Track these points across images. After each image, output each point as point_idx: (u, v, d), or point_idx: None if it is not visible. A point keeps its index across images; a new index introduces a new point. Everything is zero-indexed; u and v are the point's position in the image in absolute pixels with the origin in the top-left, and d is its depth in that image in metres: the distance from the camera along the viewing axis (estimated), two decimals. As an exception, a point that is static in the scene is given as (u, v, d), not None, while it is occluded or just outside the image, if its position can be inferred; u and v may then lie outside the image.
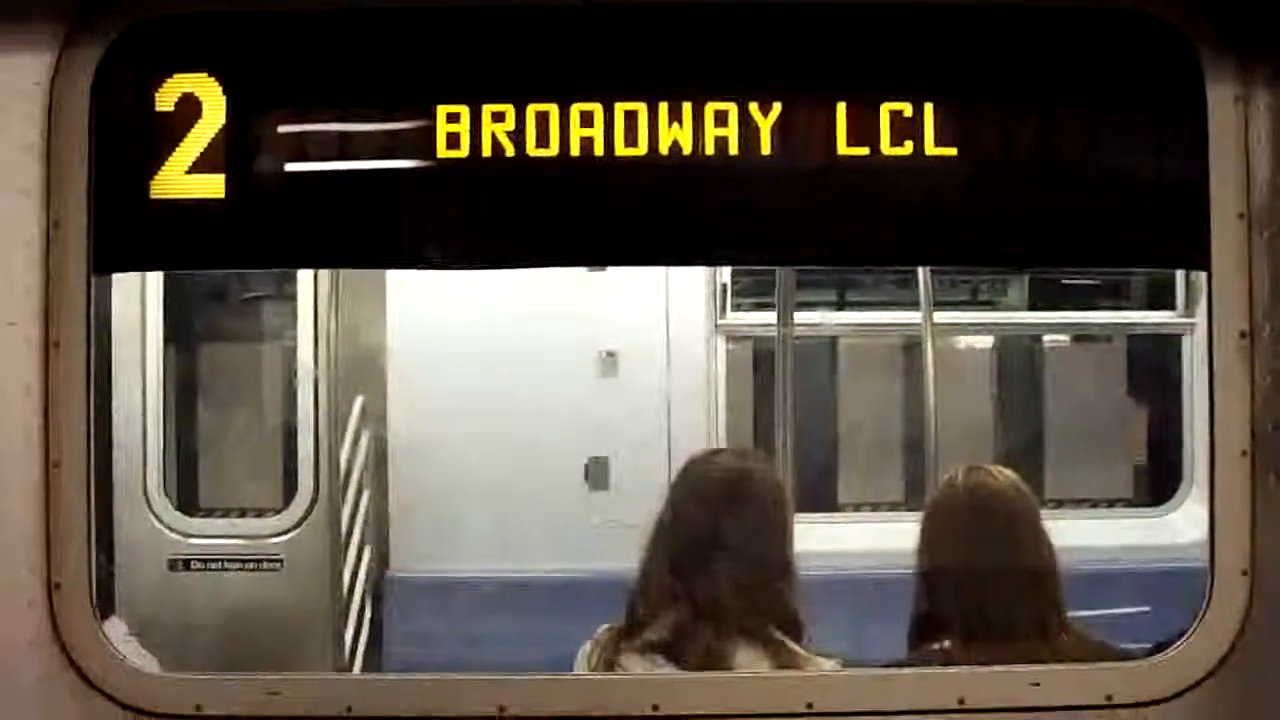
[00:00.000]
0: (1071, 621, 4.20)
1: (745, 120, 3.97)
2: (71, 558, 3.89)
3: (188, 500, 8.88)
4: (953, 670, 4.10)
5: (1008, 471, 4.38)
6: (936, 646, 4.14)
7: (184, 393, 9.09)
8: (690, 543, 4.13)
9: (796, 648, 4.06)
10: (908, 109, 3.99)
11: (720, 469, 4.29)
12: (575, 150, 3.96)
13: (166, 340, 8.66)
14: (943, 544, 4.24)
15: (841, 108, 3.97)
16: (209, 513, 8.91)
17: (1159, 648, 4.06)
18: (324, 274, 8.39)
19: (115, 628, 4.06)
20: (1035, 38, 4.03)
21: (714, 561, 4.09)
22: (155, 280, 8.38)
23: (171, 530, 8.62)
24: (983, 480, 4.31)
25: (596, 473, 8.68)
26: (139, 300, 8.37)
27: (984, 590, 4.11)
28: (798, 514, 6.71)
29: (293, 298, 8.72)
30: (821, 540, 7.91)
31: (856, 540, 8.71)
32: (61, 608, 3.87)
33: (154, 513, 8.58)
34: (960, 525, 4.26)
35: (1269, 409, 3.90)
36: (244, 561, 8.59)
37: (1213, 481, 3.94)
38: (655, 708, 3.80)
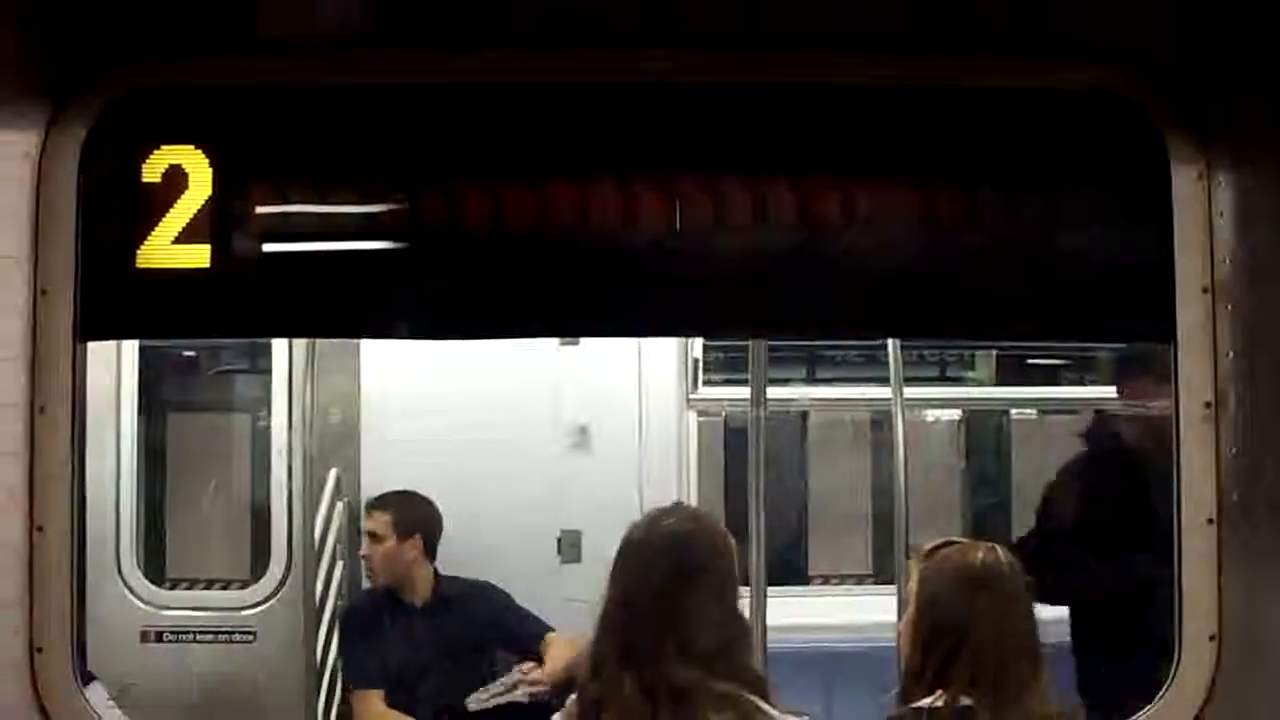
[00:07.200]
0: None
1: (717, 195, 4.04)
2: (54, 622, 3.91)
3: (160, 572, 8.84)
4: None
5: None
6: (926, 703, 4.17)
7: (156, 462, 9.06)
8: (643, 615, 4.09)
9: (767, 707, 4.05)
10: (878, 186, 4.06)
11: (664, 534, 4.23)
12: (549, 225, 4.03)
13: (140, 411, 8.65)
14: (940, 607, 4.29)
15: (812, 184, 4.05)
16: (180, 584, 8.87)
17: (1126, 714, 4.10)
18: (300, 349, 8.40)
19: (97, 693, 4.05)
20: (1004, 117, 4.12)
21: (673, 630, 4.05)
22: (130, 351, 8.37)
23: (145, 602, 8.58)
24: (982, 554, 4.39)
25: (569, 546, 8.67)
26: (114, 370, 8.36)
27: (977, 654, 4.17)
28: (769, 587, 6.76)
29: (268, 371, 8.73)
30: (792, 613, 7.92)
31: (827, 612, 8.73)
32: (43, 672, 3.89)
33: (126, 583, 8.55)
34: (960, 593, 4.31)
35: (1234, 478, 3.95)
36: (216, 633, 8.56)
37: (1180, 549, 4.00)
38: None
